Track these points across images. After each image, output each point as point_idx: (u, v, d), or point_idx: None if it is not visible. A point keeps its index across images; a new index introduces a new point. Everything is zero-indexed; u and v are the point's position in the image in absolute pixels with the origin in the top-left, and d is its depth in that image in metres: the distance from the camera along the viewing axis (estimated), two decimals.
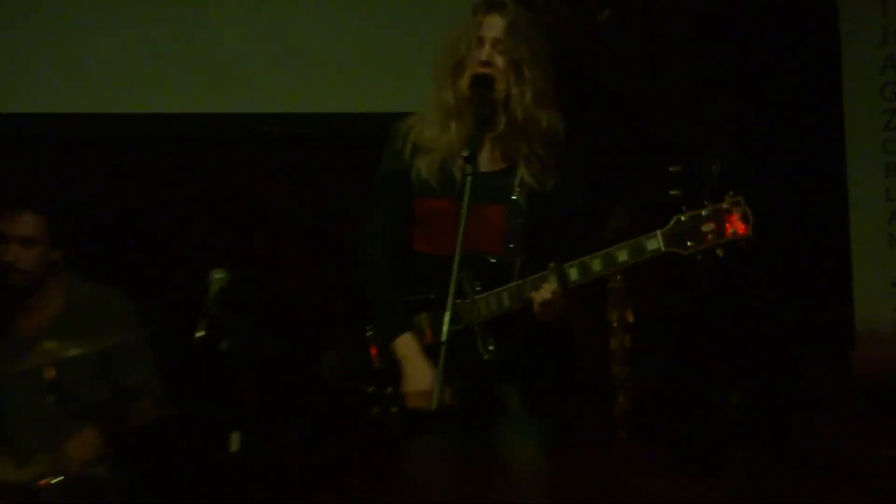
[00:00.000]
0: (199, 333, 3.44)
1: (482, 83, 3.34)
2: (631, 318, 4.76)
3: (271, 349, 4.65)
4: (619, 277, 4.63)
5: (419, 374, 3.32)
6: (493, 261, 3.34)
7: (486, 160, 3.39)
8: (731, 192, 3.10)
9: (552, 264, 3.21)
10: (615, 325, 4.78)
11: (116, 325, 4.23)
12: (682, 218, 3.12)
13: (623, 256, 3.17)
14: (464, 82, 3.37)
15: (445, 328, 3.02)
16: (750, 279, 4.96)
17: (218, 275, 3.54)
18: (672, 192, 4.78)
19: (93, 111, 5.02)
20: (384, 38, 5.11)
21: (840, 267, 5.04)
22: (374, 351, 3.43)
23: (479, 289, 3.31)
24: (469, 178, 3.13)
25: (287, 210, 5.08)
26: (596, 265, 3.19)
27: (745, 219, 3.06)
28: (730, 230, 3.06)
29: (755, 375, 4.98)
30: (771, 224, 3.18)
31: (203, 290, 3.51)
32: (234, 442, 3.50)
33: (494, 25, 3.36)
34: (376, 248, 3.45)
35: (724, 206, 3.08)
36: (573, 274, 3.21)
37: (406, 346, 3.37)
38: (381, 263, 3.44)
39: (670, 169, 4.84)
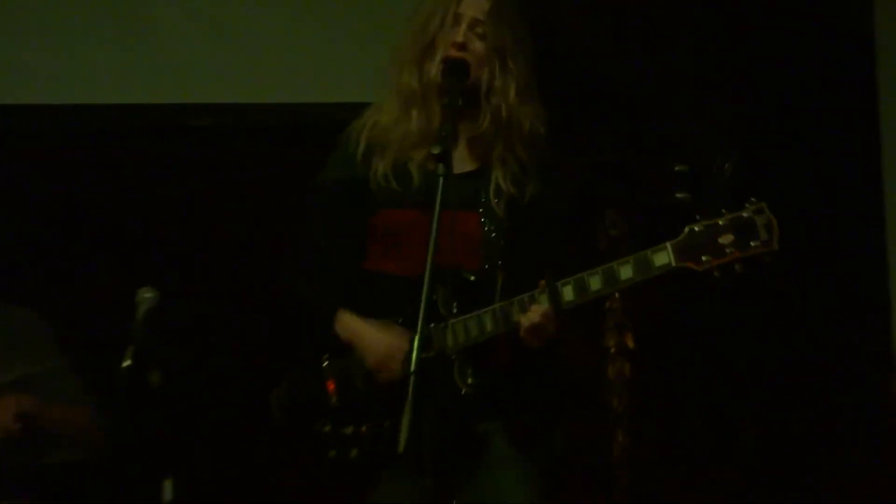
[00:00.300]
0: (126, 363, 3.36)
1: (455, 69, 3.26)
2: (631, 343, 4.73)
3: (210, 382, 4.61)
4: (617, 295, 4.61)
5: (377, 341, 3.22)
6: (472, 278, 3.26)
7: (456, 159, 3.26)
8: (753, 199, 3.04)
9: (543, 281, 3.14)
10: (613, 350, 4.79)
11: (30, 351, 4.18)
12: (696, 228, 3.06)
13: (627, 273, 3.10)
14: (433, 66, 3.30)
15: (414, 355, 2.89)
16: (772, 297, 4.94)
17: (146, 294, 3.45)
18: (678, 196, 4.75)
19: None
20: (338, 25, 5.17)
21: (875, 282, 5.04)
22: (331, 385, 3.31)
23: (455, 310, 3.21)
24: (442, 179, 3.03)
25: (229, 217, 5.06)
26: (595, 283, 3.11)
27: (769, 230, 3.01)
28: (752, 243, 3.00)
29: (778, 408, 4.96)
30: (795, 234, 3.13)
31: (130, 311, 3.43)
32: (167, 491, 3.41)
33: (476, 4, 3.31)
34: (307, 267, 3.37)
35: (745, 214, 3.03)
36: (568, 293, 3.13)
37: (347, 321, 3.27)
38: (313, 280, 3.36)
39: (675, 168, 4.81)
